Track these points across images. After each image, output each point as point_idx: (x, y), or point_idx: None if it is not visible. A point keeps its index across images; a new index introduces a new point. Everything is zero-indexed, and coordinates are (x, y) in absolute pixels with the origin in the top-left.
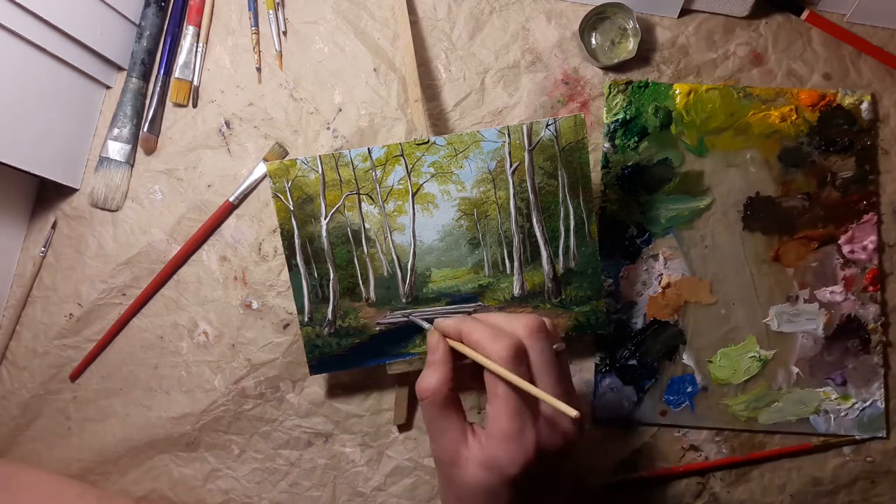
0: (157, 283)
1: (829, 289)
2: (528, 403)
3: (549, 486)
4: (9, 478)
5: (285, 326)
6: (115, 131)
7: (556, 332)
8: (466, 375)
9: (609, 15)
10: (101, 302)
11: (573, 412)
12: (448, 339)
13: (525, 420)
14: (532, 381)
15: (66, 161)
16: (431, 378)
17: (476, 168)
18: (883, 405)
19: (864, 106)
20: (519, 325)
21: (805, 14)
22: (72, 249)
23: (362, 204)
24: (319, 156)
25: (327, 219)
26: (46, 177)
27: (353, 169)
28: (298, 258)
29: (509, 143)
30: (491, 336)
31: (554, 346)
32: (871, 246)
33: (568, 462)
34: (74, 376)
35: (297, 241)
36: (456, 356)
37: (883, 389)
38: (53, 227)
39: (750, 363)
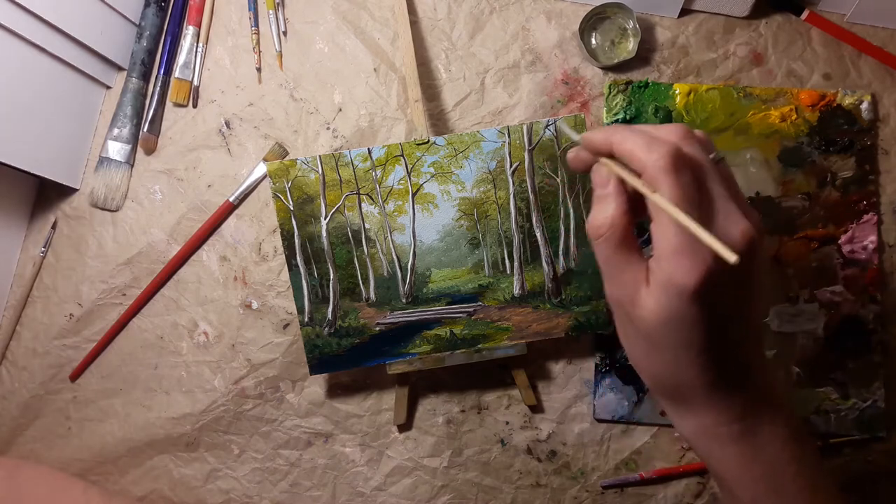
0: (157, 284)
1: (830, 289)
2: (698, 212)
3: (739, 305)
4: (15, 469)
5: (285, 326)
6: (115, 131)
7: (710, 141)
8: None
9: (609, 15)
10: (101, 302)
11: (732, 256)
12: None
13: (696, 229)
14: (700, 192)
15: (66, 161)
16: (607, 210)
17: (476, 168)
18: (883, 405)
19: (864, 106)
20: (669, 130)
21: (805, 14)
22: (72, 249)
23: (362, 204)
24: (319, 156)
25: (327, 219)
26: (46, 177)
27: (353, 169)
28: (298, 258)
29: (509, 143)
30: (644, 144)
31: (710, 156)
32: (871, 246)
33: (754, 274)
34: (74, 376)
35: (297, 241)
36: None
37: (883, 389)
38: (53, 227)
39: None
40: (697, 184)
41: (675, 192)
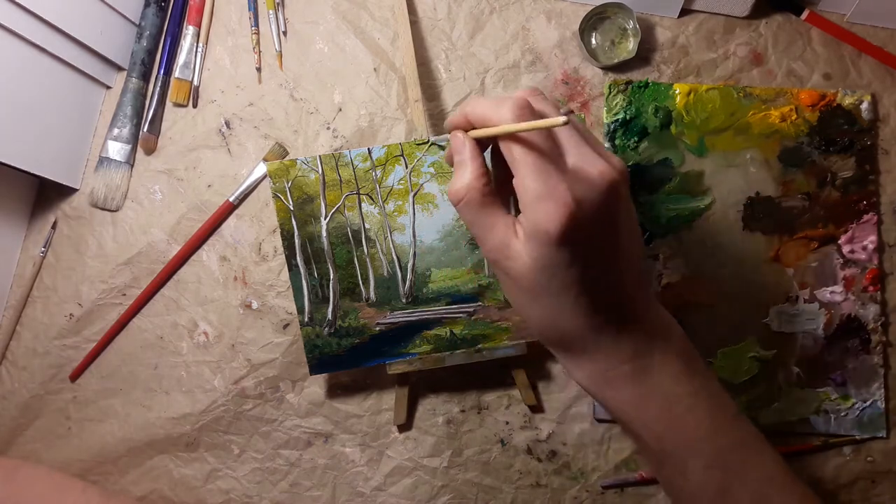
0: (157, 284)
1: (830, 289)
2: (552, 159)
3: (609, 244)
4: (14, 469)
5: (285, 326)
6: (115, 131)
7: (553, 103)
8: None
9: (609, 15)
10: (101, 302)
11: (559, 119)
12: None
13: (551, 174)
14: (550, 139)
15: (65, 161)
16: (464, 175)
17: None
18: (883, 405)
19: (864, 106)
20: (518, 92)
21: (805, 14)
22: (72, 249)
23: (362, 204)
24: (319, 156)
25: (327, 219)
26: (46, 177)
27: (353, 169)
28: (298, 258)
29: None
30: (493, 104)
31: (561, 111)
32: (871, 246)
33: (621, 212)
34: (74, 376)
35: (297, 241)
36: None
37: (883, 389)
38: (53, 227)
39: (750, 363)
40: (546, 132)
41: (522, 126)
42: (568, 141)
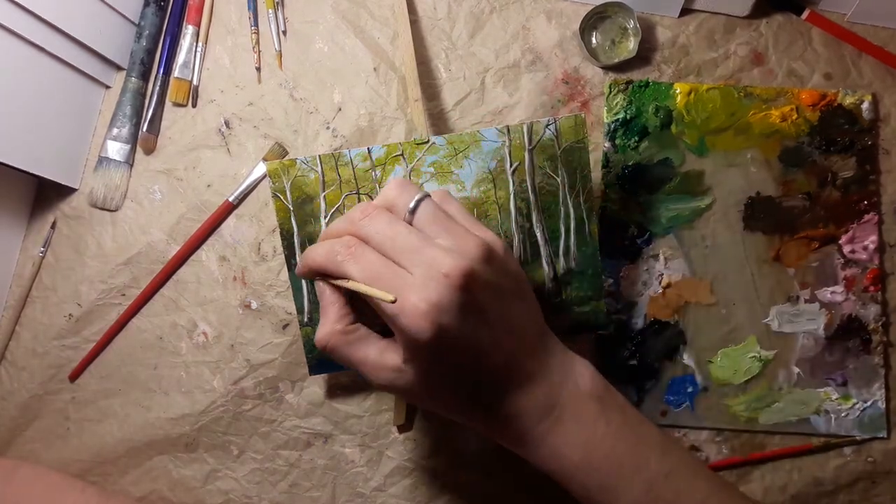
0: (157, 284)
1: (830, 289)
2: (395, 279)
3: (478, 325)
4: (13, 469)
5: (285, 327)
6: (115, 131)
7: (407, 191)
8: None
9: (609, 14)
10: (101, 302)
11: (389, 297)
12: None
13: (399, 294)
14: (384, 261)
15: (65, 161)
16: (323, 324)
17: (476, 168)
18: (884, 405)
19: (865, 106)
20: (344, 220)
21: (806, 14)
22: (71, 250)
23: (305, 252)
24: (319, 155)
25: (327, 219)
26: (45, 177)
27: (353, 169)
28: (298, 258)
29: (509, 143)
30: (324, 253)
31: (409, 206)
32: (871, 246)
33: (483, 298)
34: (73, 377)
35: (296, 240)
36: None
37: (884, 390)
38: (52, 227)
39: (750, 363)
40: (379, 256)
41: (359, 276)
42: (431, 227)
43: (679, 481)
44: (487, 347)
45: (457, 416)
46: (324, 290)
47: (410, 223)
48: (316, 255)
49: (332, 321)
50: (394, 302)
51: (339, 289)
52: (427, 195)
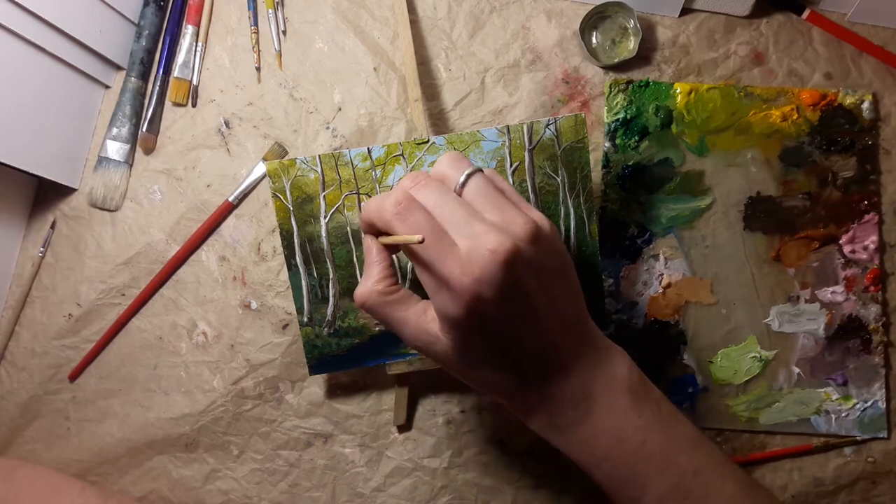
0: (157, 284)
1: (831, 289)
2: (437, 248)
3: (517, 307)
4: (12, 469)
5: (284, 327)
6: (114, 131)
7: (458, 163)
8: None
9: (610, 14)
10: (100, 302)
11: (416, 237)
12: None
13: (443, 263)
14: (434, 225)
15: (64, 161)
16: (365, 281)
17: None
18: (884, 405)
19: (866, 105)
20: (401, 183)
21: (806, 13)
22: (70, 250)
23: (362, 204)
24: (319, 155)
25: (327, 218)
26: (45, 177)
27: (353, 168)
28: (298, 258)
29: (509, 143)
30: (376, 208)
31: (460, 179)
32: (872, 246)
33: (527, 276)
34: (73, 377)
35: (296, 240)
36: (390, 251)
37: (884, 390)
38: (52, 227)
39: (751, 363)
40: (428, 218)
41: (405, 232)
42: (481, 201)
43: (708, 479)
44: (526, 328)
45: (488, 392)
46: (371, 247)
47: (460, 196)
48: (368, 208)
49: (373, 280)
50: (421, 242)
51: (386, 249)
52: (479, 170)
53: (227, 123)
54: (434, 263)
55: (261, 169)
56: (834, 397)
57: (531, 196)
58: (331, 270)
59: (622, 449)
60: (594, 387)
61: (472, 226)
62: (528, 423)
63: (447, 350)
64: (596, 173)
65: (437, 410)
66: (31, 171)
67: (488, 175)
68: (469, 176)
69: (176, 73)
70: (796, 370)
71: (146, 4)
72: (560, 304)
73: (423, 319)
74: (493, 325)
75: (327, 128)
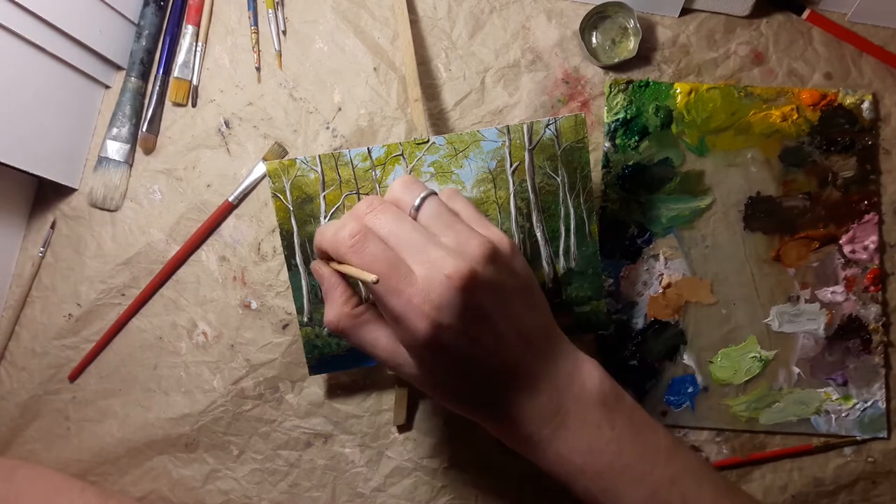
0: (157, 284)
1: (831, 289)
2: (393, 278)
3: (480, 327)
4: (12, 469)
5: (284, 327)
6: (114, 131)
7: (413, 188)
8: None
9: (610, 14)
10: (100, 302)
11: (371, 277)
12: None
13: (400, 295)
14: (386, 255)
15: (64, 161)
16: (331, 306)
17: (476, 168)
18: (884, 406)
19: (866, 105)
20: (355, 210)
21: (806, 13)
22: (70, 250)
23: (316, 229)
24: (319, 155)
25: (327, 218)
26: (45, 176)
27: (353, 168)
28: (298, 258)
29: (509, 143)
30: (331, 238)
31: (413, 203)
32: (872, 246)
33: (484, 300)
34: (73, 377)
35: (296, 240)
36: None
37: (884, 390)
38: (52, 227)
39: (751, 363)
40: (383, 249)
41: (360, 265)
42: (436, 224)
43: (684, 487)
44: (490, 348)
45: (461, 412)
46: (323, 274)
47: (415, 220)
48: (323, 237)
49: (339, 303)
50: (376, 283)
51: (339, 272)
52: (432, 193)
53: (227, 123)
54: (392, 295)
55: (261, 169)
56: (834, 397)
57: (531, 196)
58: None
59: (597, 462)
60: (565, 401)
61: (428, 251)
62: (501, 439)
63: (416, 370)
64: (596, 173)
65: (437, 410)
66: (31, 171)
67: (445, 197)
68: (423, 199)
69: (176, 73)
70: (796, 370)
71: (146, 4)
72: (523, 322)
73: (393, 341)
74: (456, 350)
75: (327, 128)
